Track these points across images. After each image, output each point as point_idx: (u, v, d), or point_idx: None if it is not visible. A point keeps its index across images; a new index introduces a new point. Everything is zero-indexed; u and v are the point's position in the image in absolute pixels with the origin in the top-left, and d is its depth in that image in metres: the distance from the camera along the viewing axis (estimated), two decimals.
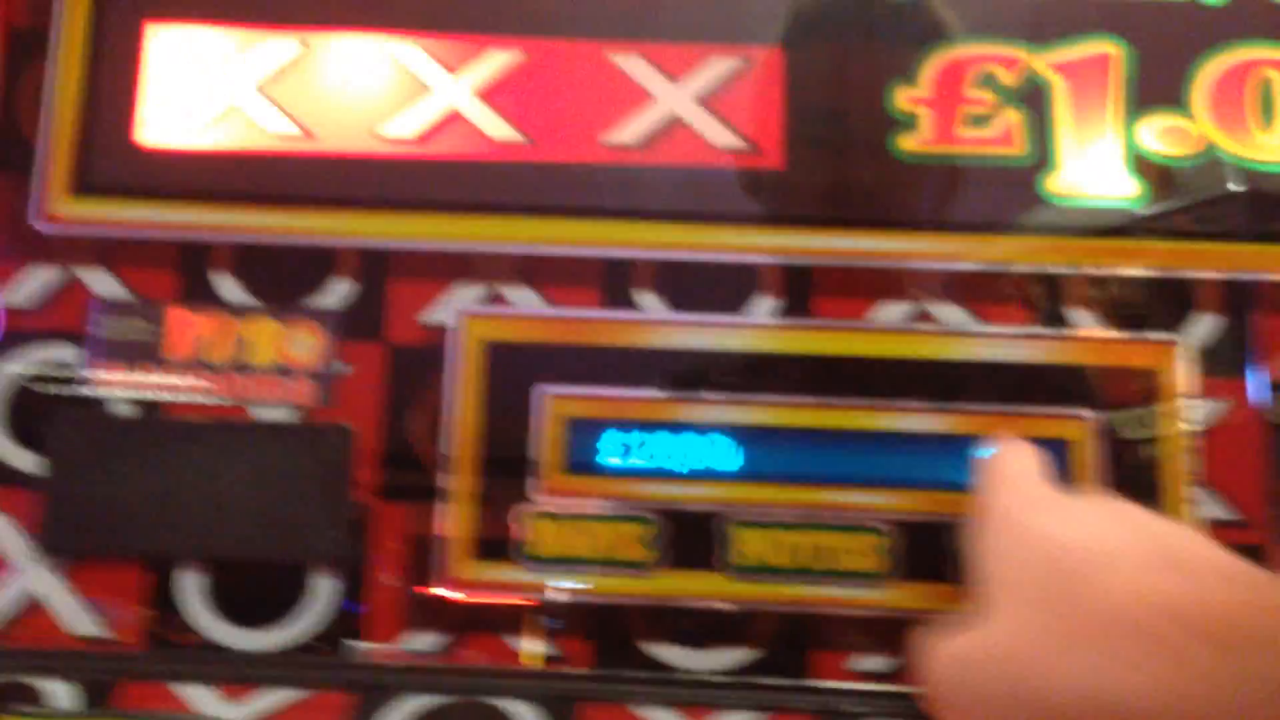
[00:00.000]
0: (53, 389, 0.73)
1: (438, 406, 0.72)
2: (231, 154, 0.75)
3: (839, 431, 0.71)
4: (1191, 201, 0.73)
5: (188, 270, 0.74)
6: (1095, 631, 0.48)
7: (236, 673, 0.69)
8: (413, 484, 0.71)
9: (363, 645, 0.71)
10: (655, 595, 0.70)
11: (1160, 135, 0.74)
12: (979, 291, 0.73)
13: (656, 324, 0.73)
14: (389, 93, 0.76)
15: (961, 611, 0.54)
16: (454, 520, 0.71)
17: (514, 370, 0.72)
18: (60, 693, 0.68)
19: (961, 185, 0.75)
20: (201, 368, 0.73)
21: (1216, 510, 0.71)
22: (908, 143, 0.74)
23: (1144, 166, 0.74)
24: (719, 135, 0.75)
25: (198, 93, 0.76)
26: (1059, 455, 0.69)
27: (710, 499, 0.71)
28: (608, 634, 0.71)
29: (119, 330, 0.73)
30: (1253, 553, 0.56)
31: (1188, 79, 0.74)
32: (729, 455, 0.71)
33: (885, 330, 0.73)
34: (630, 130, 0.75)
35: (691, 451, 0.71)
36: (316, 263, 0.74)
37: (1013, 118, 0.74)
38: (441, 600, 0.70)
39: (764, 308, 0.74)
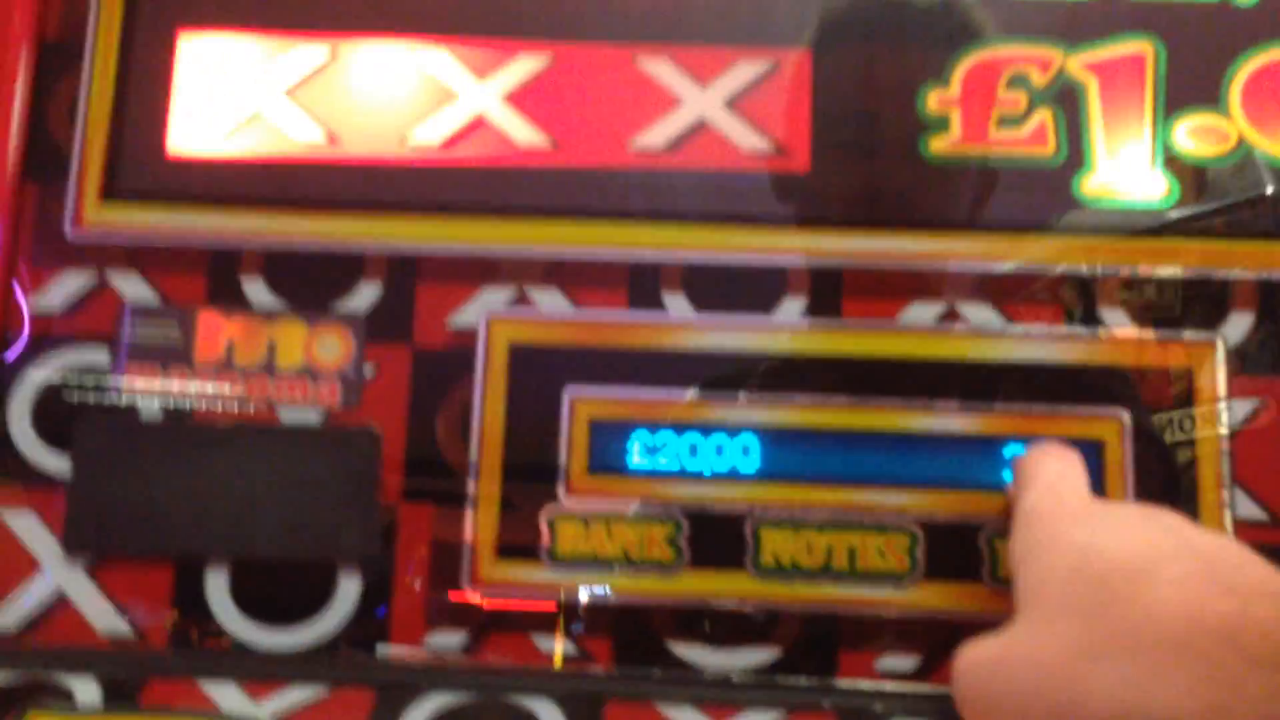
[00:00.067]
0: (84, 392, 0.73)
1: (464, 409, 0.72)
2: (260, 160, 0.76)
3: (867, 432, 0.71)
4: (1227, 201, 0.72)
5: (217, 275, 0.75)
6: (1132, 643, 0.47)
7: (262, 671, 0.69)
8: (439, 486, 0.71)
9: (388, 644, 0.71)
10: (681, 595, 0.69)
11: (1194, 135, 0.73)
12: (1011, 292, 0.73)
13: (683, 326, 0.73)
14: (417, 98, 0.76)
15: (993, 615, 0.54)
16: (480, 521, 0.70)
17: (540, 372, 0.72)
18: (88, 690, 0.68)
19: (993, 186, 0.74)
20: (230, 371, 0.73)
21: (1252, 510, 0.69)
22: (938, 144, 0.74)
23: (1178, 166, 0.73)
24: (747, 138, 0.75)
25: (227, 100, 0.76)
26: (1093, 456, 0.68)
27: (737, 499, 0.70)
28: (633, 634, 0.70)
29: (149, 334, 0.74)
30: None
31: (1222, 78, 0.74)
32: (755, 456, 0.71)
33: (916, 331, 0.72)
34: (658, 134, 0.75)
35: (718, 452, 0.71)
36: (345, 267, 0.74)
37: (1045, 118, 0.74)
38: (466, 600, 0.70)
39: (793, 309, 0.73)
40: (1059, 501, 0.58)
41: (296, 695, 0.68)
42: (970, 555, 0.69)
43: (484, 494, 0.71)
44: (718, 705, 0.67)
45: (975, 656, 0.54)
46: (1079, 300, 0.73)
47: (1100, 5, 0.75)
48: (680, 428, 0.71)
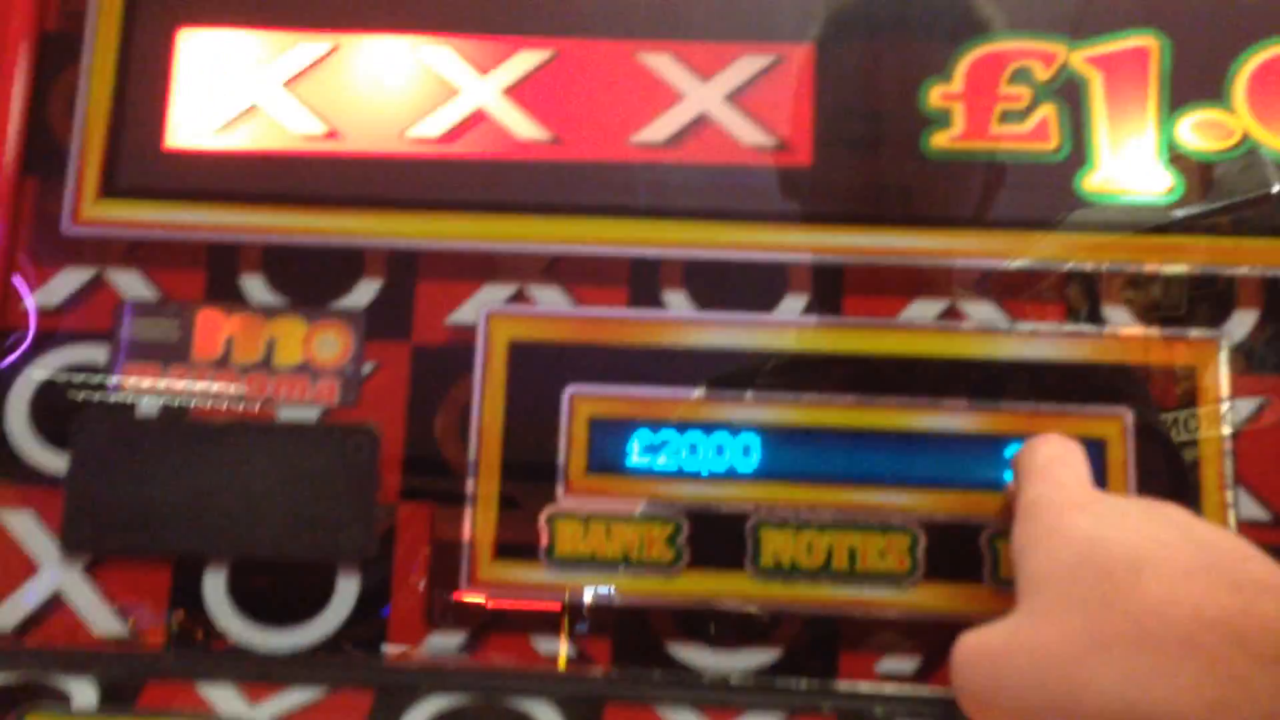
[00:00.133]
0: (81, 389, 0.73)
1: (464, 407, 0.72)
2: (260, 155, 0.75)
3: (869, 431, 0.70)
4: (1232, 198, 0.72)
5: (216, 271, 0.74)
6: (1135, 637, 0.47)
7: (260, 673, 0.69)
8: (438, 485, 0.71)
9: (386, 646, 0.70)
10: (681, 596, 0.69)
11: (1199, 130, 0.73)
12: (1014, 289, 0.72)
13: (684, 323, 0.72)
14: (417, 93, 0.76)
15: (995, 616, 0.53)
16: (478, 520, 0.70)
17: (540, 370, 0.72)
18: (85, 693, 0.68)
19: (996, 182, 0.73)
20: (229, 368, 0.73)
21: (1255, 510, 0.69)
22: (940, 139, 0.73)
23: (1183, 163, 0.72)
24: (749, 133, 0.74)
25: (227, 95, 0.76)
26: (1095, 455, 0.68)
27: (737, 499, 0.70)
28: (633, 635, 0.70)
29: (147, 330, 0.74)
30: None
31: (1227, 73, 0.73)
32: (756, 455, 0.70)
33: (917, 329, 0.72)
34: (659, 129, 0.74)
35: (718, 452, 0.70)
36: (344, 263, 0.74)
37: (1048, 113, 0.73)
38: (465, 601, 0.70)
39: (794, 306, 0.73)
40: (1062, 492, 0.58)
41: (294, 698, 0.68)
42: (972, 556, 0.68)
43: (483, 493, 0.71)
44: (717, 707, 0.67)
45: (975, 645, 0.53)
46: (1082, 298, 0.72)
47: None
48: (680, 426, 0.71)
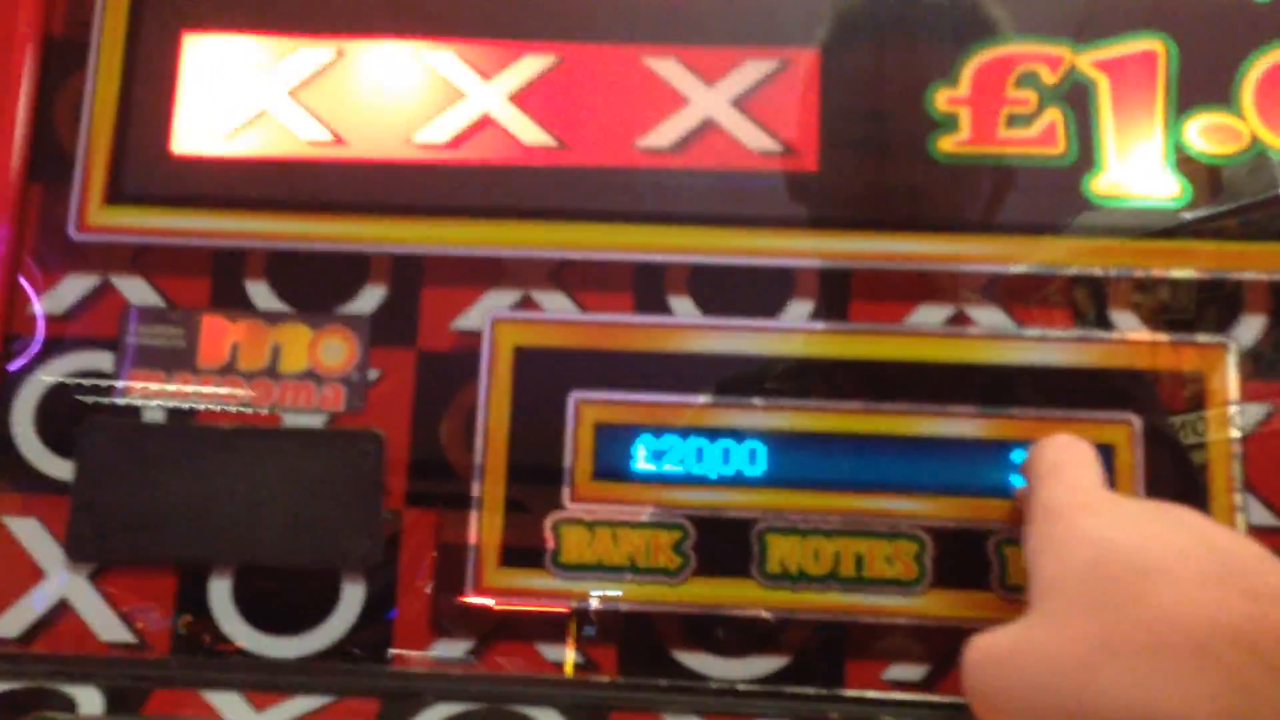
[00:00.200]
0: (87, 396, 0.73)
1: (469, 413, 0.72)
2: (265, 161, 0.75)
3: (876, 437, 0.70)
4: (1239, 202, 0.72)
5: (222, 277, 0.74)
6: (1147, 643, 0.47)
7: (266, 680, 0.69)
8: (443, 490, 0.71)
9: (392, 652, 0.70)
10: (687, 603, 0.69)
11: (1206, 134, 0.72)
12: (1021, 294, 0.72)
13: (689, 329, 0.72)
14: (423, 99, 0.76)
15: (1003, 623, 0.53)
16: (484, 527, 0.70)
17: (546, 376, 0.72)
18: (90, 699, 0.68)
19: (1003, 186, 0.73)
20: (234, 374, 0.73)
21: (1264, 516, 0.69)
22: (947, 144, 0.73)
23: (1190, 166, 0.72)
24: (754, 138, 0.74)
25: (232, 101, 0.76)
26: (1105, 460, 0.67)
27: (743, 505, 0.70)
28: (639, 642, 0.70)
29: (153, 337, 0.73)
30: None
31: (1235, 76, 0.73)
32: (762, 461, 0.70)
33: (924, 334, 0.72)
34: (665, 134, 0.74)
35: (724, 457, 0.70)
36: (350, 269, 0.74)
37: (1055, 117, 0.73)
38: (471, 607, 0.70)
39: (800, 312, 0.72)
40: (1075, 494, 0.58)
41: (300, 705, 0.68)
42: (979, 562, 0.68)
43: (488, 499, 0.70)
44: (723, 715, 0.67)
45: (987, 648, 0.53)
46: (1090, 302, 0.72)
47: (1110, 2, 0.74)
48: (686, 432, 0.71)
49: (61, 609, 0.71)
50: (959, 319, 0.72)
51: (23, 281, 0.75)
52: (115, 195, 0.75)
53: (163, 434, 0.72)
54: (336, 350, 0.73)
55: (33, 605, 0.71)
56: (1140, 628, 0.47)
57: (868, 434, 0.70)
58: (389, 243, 0.74)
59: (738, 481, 0.70)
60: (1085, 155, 0.73)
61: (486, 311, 0.73)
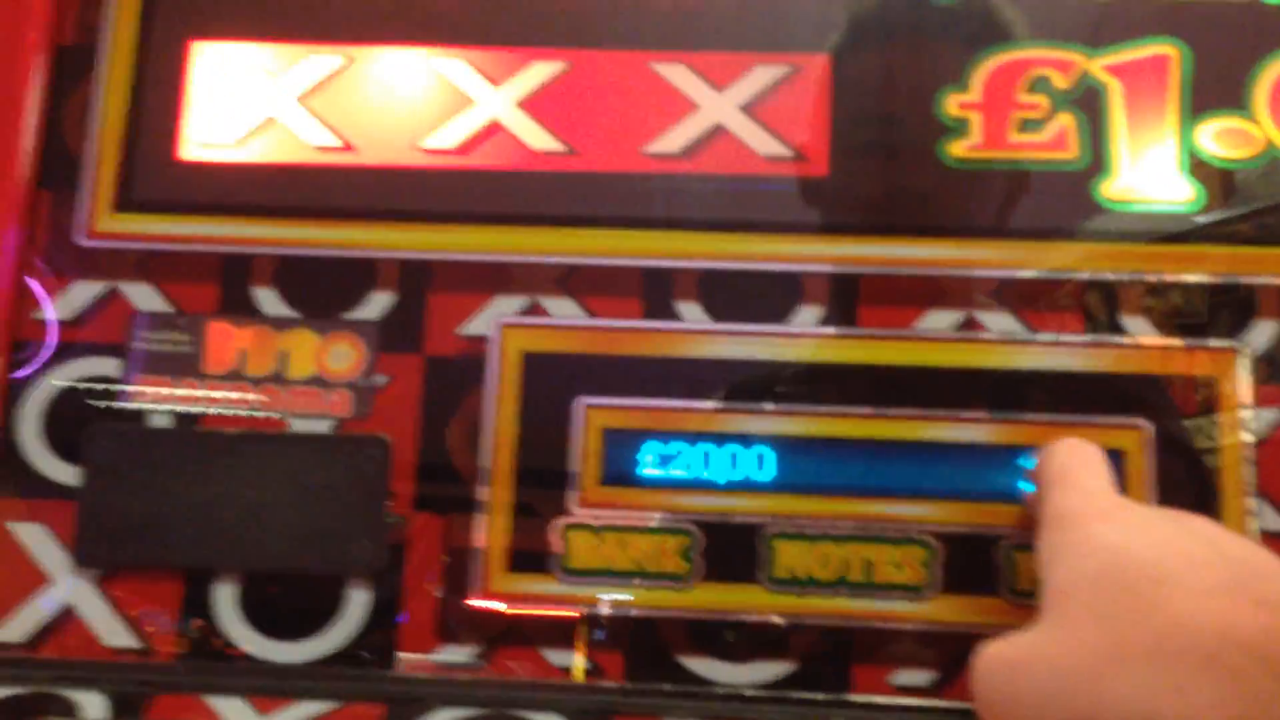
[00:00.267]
0: (94, 401, 0.73)
1: (476, 418, 0.71)
2: (273, 167, 0.75)
3: (884, 442, 0.70)
4: (1253, 206, 0.71)
5: (229, 283, 0.74)
6: (1157, 651, 0.46)
7: (271, 685, 0.69)
8: (450, 495, 0.71)
9: (398, 657, 0.70)
10: (694, 608, 0.69)
11: (1220, 138, 0.72)
12: (1032, 299, 0.72)
13: (698, 334, 0.72)
14: (432, 105, 0.76)
15: (1012, 629, 0.53)
16: (491, 532, 0.70)
17: (553, 381, 0.71)
18: (94, 705, 0.68)
19: (1014, 191, 0.73)
20: (241, 380, 0.73)
21: (1276, 521, 0.68)
22: (958, 148, 0.73)
23: (1203, 171, 0.72)
24: (764, 143, 0.74)
25: (240, 107, 0.76)
26: (1115, 466, 0.66)
27: (751, 511, 0.69)
28: (646, 647, 0.70)
29: (160, 343, 0.73)
30: None
31: (1248, 81, 0.72)
32: (770, 466, 0.70)
33: (933, 339, 0.71)
34: (673, 139, 0.74)
35: (732, 463, 0.70)
36: (357, 275, 0.74)
37: (1067, 122, 0.73)
38: (478, 612, 0.70)
39: (809, 317, 0.72)
40: (1087, 500, 0.57)
41: (305, 710, 0.68)
42: (988, 568, 0.68)
43: (496, 504, 0.70)
44: None
45: (996, 655, 0.53)
46: (1102, 307, 0.71)
47: (1123, 6, 0.74)
48: (694, 438, 0.70)
49: (66, 614, 0.71)
50: (969, 324, 0.71)
51: (32, 285, 0.75)
52: (123, 202, 0.75)
53: (169, 439, 0.72)
54: (344, 356, 0.73)
55: (38, 610, 0.71)
56: (1150, 637, 0.47)
57: (876, 439, 0.70)
58: (397, 248, 0.74)
59: (746, 487, 0.69)
60: (1097, 160, 0.72)
61: (494, 317, 0.73)
